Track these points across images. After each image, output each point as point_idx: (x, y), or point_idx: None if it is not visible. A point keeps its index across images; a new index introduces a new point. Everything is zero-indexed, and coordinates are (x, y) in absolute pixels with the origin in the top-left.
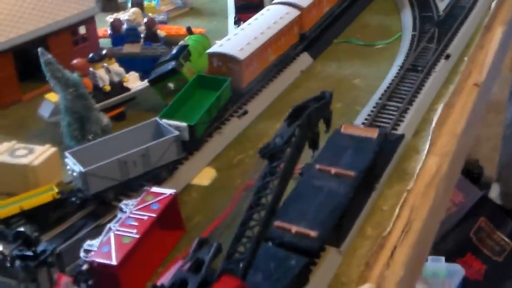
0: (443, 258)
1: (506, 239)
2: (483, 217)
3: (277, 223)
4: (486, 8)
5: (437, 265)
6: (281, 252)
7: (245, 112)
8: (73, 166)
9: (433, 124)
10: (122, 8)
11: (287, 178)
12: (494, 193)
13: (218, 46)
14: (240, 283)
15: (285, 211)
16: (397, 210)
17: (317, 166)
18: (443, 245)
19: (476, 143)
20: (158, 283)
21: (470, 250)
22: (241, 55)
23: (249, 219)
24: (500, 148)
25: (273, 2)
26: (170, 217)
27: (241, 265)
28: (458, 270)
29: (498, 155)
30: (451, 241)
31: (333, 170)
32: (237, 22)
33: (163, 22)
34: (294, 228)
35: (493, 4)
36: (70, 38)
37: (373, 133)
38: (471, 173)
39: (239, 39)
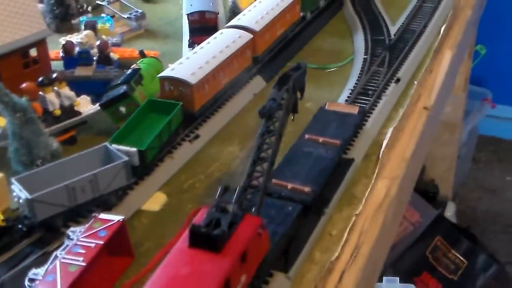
0: (397, 279)
1: (461, 258)
2: (439, 236)
3: (274, 181)
4: (436, 32)
5: (391, 285)
6: (279, 202)
7: (197, 136)
8: (19, 192)
9: (383, 148)
10: (76, 29)
11: (281, 135)
12: (450, 211)
13: (170, 70)
14: (260, 221)
15: (280, 172)
16: (345, 235)
17: (306, 136)
18: (400, 264)
19: (432, 162)
20: (194, 222)
21: (426, 269)
22: (193, 79)
23: (253, 172)
24: (455, 167)
25: (226, 25)
26: (118, 244)
27: (253, 209)
28: None
29: (453, 174)
30: (408, 260)
31: (321, 139)
32: (191, 44)
33: (116, 45)
34: (289, 185)
35: (443, 28)
36: (21, 61)
37: (354, 109)
38: (427, 192)
39: (191, 63)
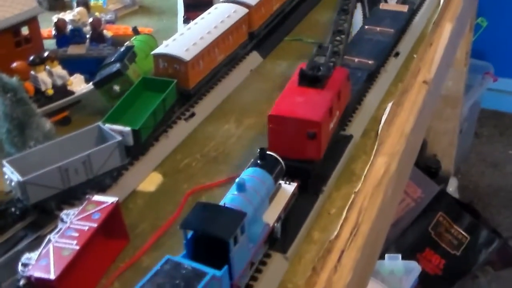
0: (399, 256)
1: (463, 233)
2: (441, 211)
3: (345, 57)
4: (435, 5)
5: (393, 263)
6: (351, 70)
7: (192, 115)
8: (11, 175)
9: (382, 124)
10: (69, 7)
11: (352, 13)
12: (452, 187)
13: (163, 47)
14: (347, 71)
15: (348, 51)
16: (344, 213)
17: (366, 27)
18: (403, 240)
19: (434, 137)
20: (301, 67)
21: (429, 245)
22: (187, 56)
23: (334, 40)
24: (456, 142)
25: (221, 0)
26: (112, 226)
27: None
28: (414, 267)
29: (455, 149)
30: (411, 237)
31: (378, 29)
32: (186, 20)
33: (110, 22)
34: (356, 59)
35: (442, 1)
36: (12, 39)
37: (404, 8)
38: (429, 168)
39: (185, 39)
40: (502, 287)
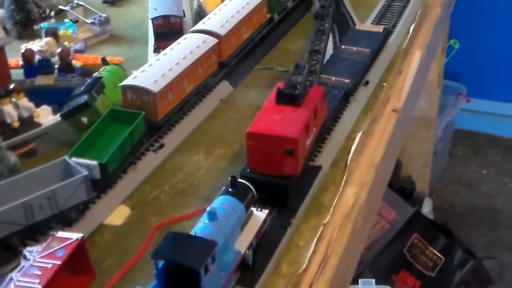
0: (373, 281)
1: (438, 254)
2: (416, 233)
3: (322, 76)
4: (404, 32)
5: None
6: (327, 88)
7: (161, 146)
8: None
9: (351, 154)
10: (38, 35)
11: (329, 34)
12: (427, 207)
13: (132, 79)
14: (323, 89)
15: (325, 70)
16: (313, 245)
17: (342, 46)
18: (378, 262)
19: (408, 159)
20: (278, 87)
21: (404, 267)
22: (155, 88)
23: (311, 60)
24: (431, 163)
25: (190, 30)
26: (77, 263)
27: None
28: None
29: (429, 170)
30: (386, 259)
31: (354, 48)
32: (157, 50)
33: (80, 51)
34: (333, 78)
35: (412, 28)
36: None
37: (379, 29)
38: (404, 189)
39: (154, 71)
40: None
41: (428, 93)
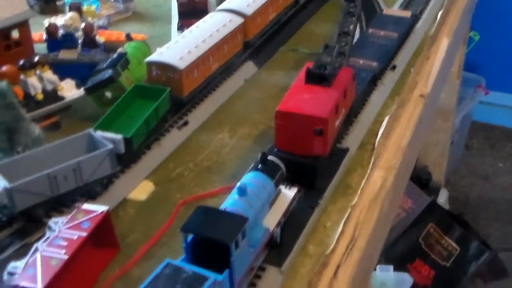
0: (391, 267)
1: (454, 244)
2: (432, 222)
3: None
4: (432, 18)
5: (385, 274)
6: (356, 71)
7: (186, 123)
8: None
9: (378, 137)
10: (61, 11)
11: (359, 16)
12: (442, 198)
13: (157, 55)
14: (353, 71)
15: (352, 53)
16: (340, 227)
17: (370, 30)
18: (393, 250)
19: (425, 149)
20: (308, 67)
21: (419, 256)
22: (181, 64)
23: (340, 41)
24: (447, 154)
25: (217, 9)
26: (102, 235)
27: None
28: (406, 279)
29: (446, 161)
30: (401, 247)
31: (382, 33)
32: (181, 28)
33: (103, 27)
34: (361, 61)
35: (439, 14)
36: (2, 43)
37: (407, 14)
38: (420, 179)
39: (180, 47)
40: None
41: (448, 84)
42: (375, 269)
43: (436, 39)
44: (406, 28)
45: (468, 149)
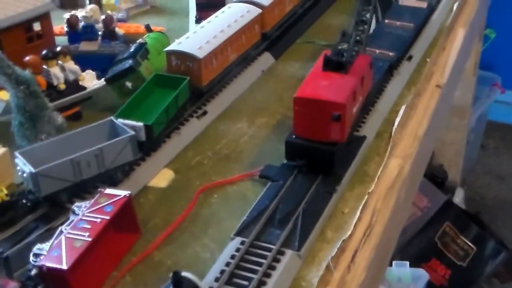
0: (407, 263)
1: (470, 244)
2: (448, 221)
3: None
4: (448, 9)
5: (401, 270)
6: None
7: (205, 113)
8: (23, 166)
9: (395, 126)
10: (81, 5)
11: (375, 5)
12: (458, 197)
13: (177, 44)
14: (370, 58)
15: (368, 43)
16: (358, 213)
17: (386, 21)
18: (409, 249)
19: (440, 147)
20: (325, 54)
21: (435, 255)
22: (200, 54)
23: (357, 30)
24: (463, 152)
25: (234, 0)
26: (125, 220)
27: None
28: (422, 275)
29: (462, 159)
30: (417, 246)
31: (398, 23)
32: (199, 20)
33: (122, 20)
34: (377, 51)
35: (455, 6)
36: (24, 35)
37: (423, 4)
38: (436, 177)
39: (198, 38)
40: None
41: (464, 81)
42: (391, 265)
43: (452, 30)
44: (422, 18)
45: (483, 149)
